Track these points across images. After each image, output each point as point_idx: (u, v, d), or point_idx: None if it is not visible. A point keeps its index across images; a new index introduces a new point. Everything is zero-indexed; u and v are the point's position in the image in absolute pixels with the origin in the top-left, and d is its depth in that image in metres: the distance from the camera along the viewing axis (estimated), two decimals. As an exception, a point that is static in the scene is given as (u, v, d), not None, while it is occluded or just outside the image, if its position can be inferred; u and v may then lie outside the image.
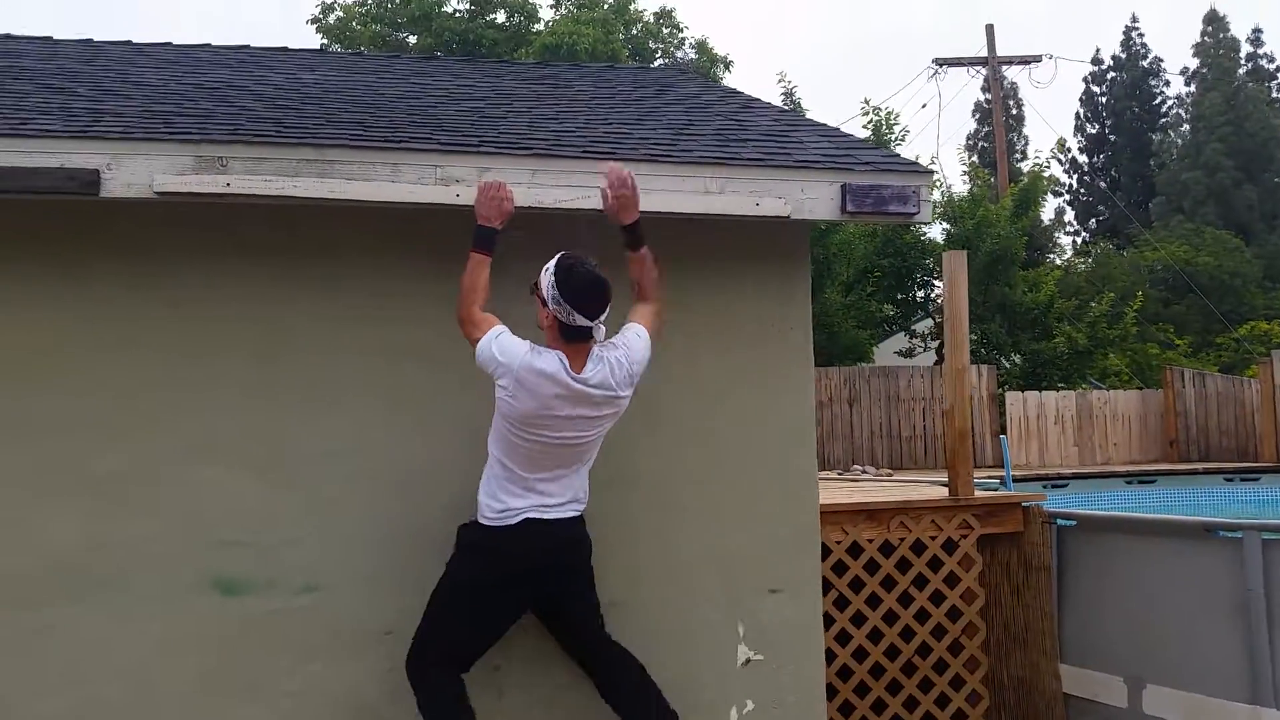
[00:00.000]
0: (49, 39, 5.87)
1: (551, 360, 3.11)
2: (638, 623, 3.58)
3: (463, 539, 3.32)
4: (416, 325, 3.56)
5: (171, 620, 3.32)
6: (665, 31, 21.79)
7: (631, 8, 21.30)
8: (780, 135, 4.21)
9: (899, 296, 16.04)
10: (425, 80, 5.51)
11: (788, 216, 3.54)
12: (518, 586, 3.27)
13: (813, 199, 3.57)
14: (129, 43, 6.01)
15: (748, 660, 3.67)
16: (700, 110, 4.92)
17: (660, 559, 3.65)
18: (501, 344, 3.14)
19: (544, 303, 3.16)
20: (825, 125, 4.62)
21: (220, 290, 3.44)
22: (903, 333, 16.18)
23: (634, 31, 21.25)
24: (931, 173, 3.74)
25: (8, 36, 5.78)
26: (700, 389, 3.74)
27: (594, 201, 3.40)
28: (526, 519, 3.20)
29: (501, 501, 3.22)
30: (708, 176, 3.52)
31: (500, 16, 20.69)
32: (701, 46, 21.87)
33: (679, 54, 21.87)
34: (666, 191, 3.46)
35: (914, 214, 3.64)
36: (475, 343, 3.19)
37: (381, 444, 3.51)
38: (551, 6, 21.29)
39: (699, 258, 3.76)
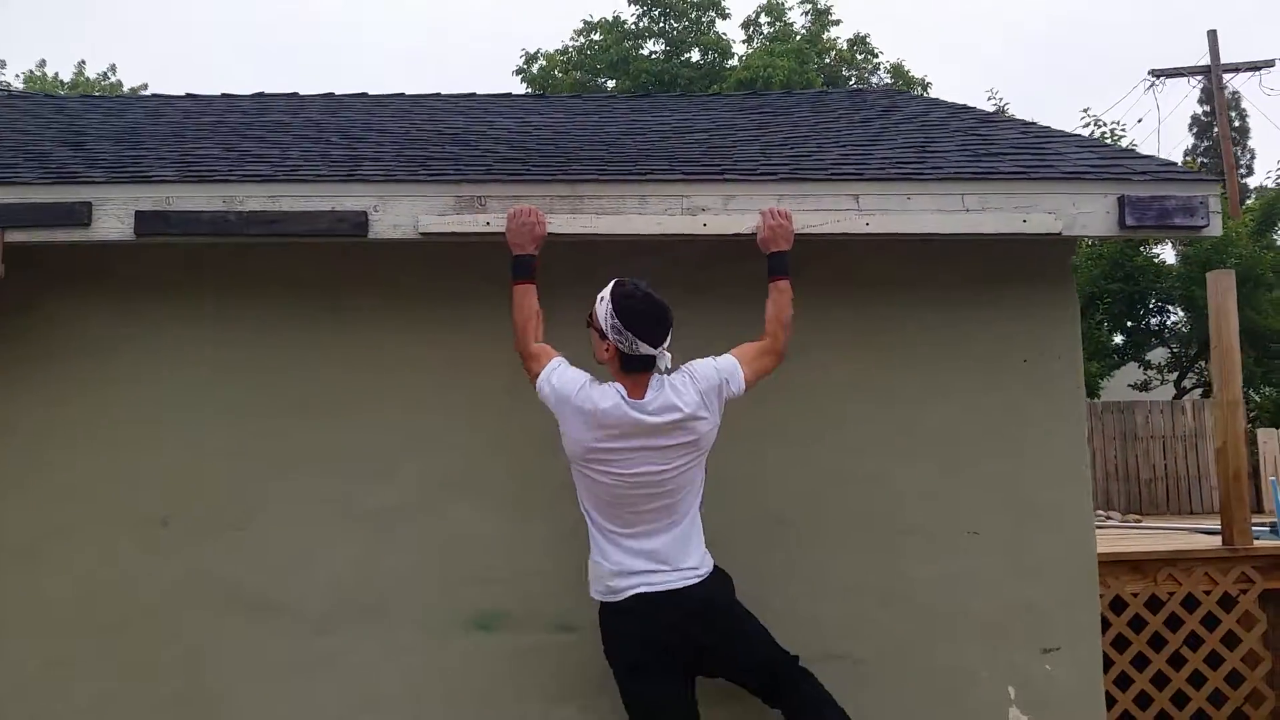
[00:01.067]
0: (295, 94, 6.29)
1: (609, 394, 2.90)
2: (899, 682, 3.37)
3: (600, 626, 3.05)
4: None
5: (430, 653, 3.37)
6: (859, 58, 21.39)
7: (825, 35, 21.05)
8: (1033, 148, 3.93)
9: (1128, 324, 14.89)
10: (645, 117, 5.53)
11: (1059, 234, 3.26)
12: (650, 660, 2.94)
13: (1086, 213, 3.28)
14: (365, 94, 6.36)
15: (1020, 724, 3.36)
16: (935, 127, 4.68)
17: (924, 613, 3.41)
18: (560, 377, 2.96)
19: (601, 334, 2.94)
20: (1080, 136, 4.29)
21: (472, 327, 3.49)
22: (1134, 364, 14.99)
23: (827, 60, 20.98)
24: (1219, 181, 3.40)
25: (260, 95, 6.23)
26: (962, 427, 3.49)
27: (845, 225, 3.25)
28: (635, 595, 2.91)
29: (604, 571, 2.96)
30: (965, 193, 3.30)
31: (695, 55, 20.89)
32: (897, 70, 21.32)
33: (873, 79, 21.40)
34: (922, 211, 3.27)
35: (1202, 226, 3.29)
36: (534, 377, 3.02)
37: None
38: (744, 41, 21.33)
39: (948, 282, 3.54)
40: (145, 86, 22.83)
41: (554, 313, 3.43)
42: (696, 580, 2.95)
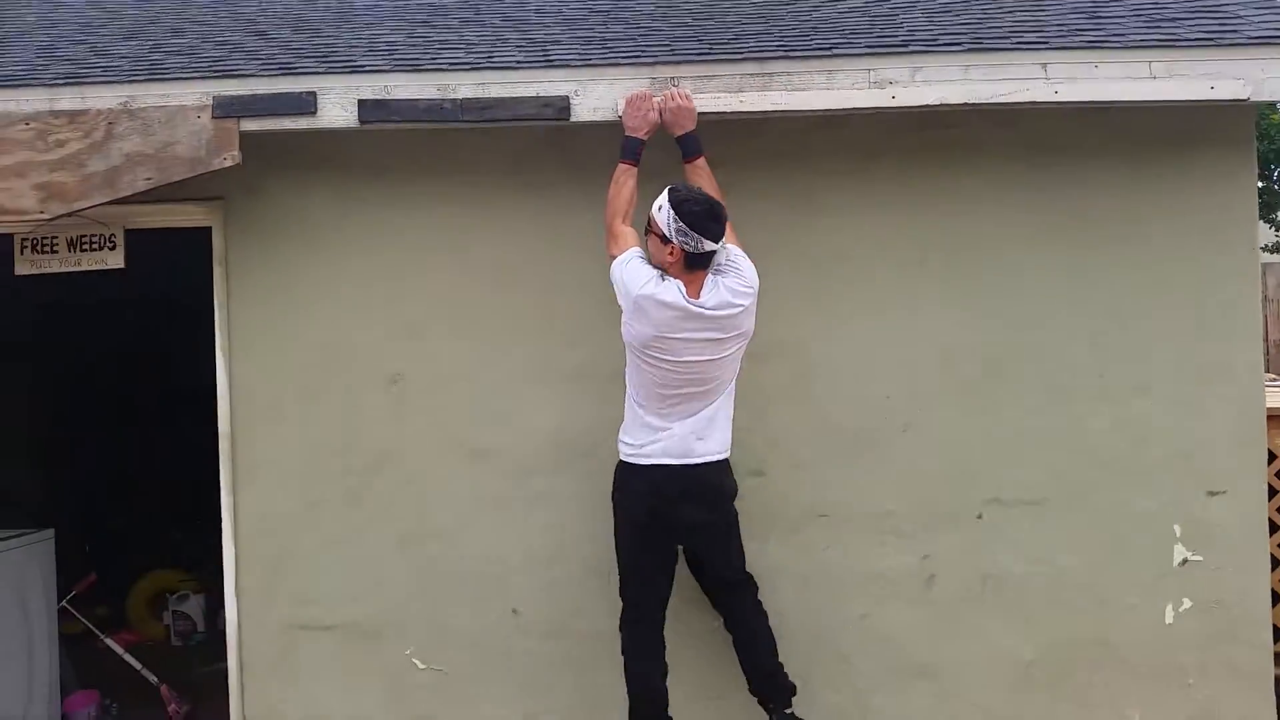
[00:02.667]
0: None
1: (672, 290, 3.18)
2: (1073, 522, 3.61)
3: (614, 480, 3.43)
4: (839, 229, 3.69)
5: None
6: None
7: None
8: (1207, 11, 3.88)
9: (1259, 185, 14.28)
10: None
11: (1246, 99, 3.31)
12: (656, 523, 3.33)
13: (1274, 78, 3.31)
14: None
15: (1185, 560, 3.60)
16: (1097, -10, 4.62)
17: (1096, 458, 3.62)
18: (632, 269, 3.23)
19: (664, 239, 3.20)
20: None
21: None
22: (1267, 225, 14.46)
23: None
24: None
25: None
26: (1132, 284, 3.62)
27: (1034, 94, 3.34)
28: (654, 464, 3.27)
29: (635, 438, 3.33)
30: (1153, 60, 3.35)
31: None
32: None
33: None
34: (1110, 79, 3.34)
35: (1397, 87, 3.29)
36: (611, 258, 3.31)
37: (809, 341, 3.69)
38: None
39: (1125, 148, 3.60)
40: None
41: (744, 185, 3.62)
42: (713, 460, 3.31)
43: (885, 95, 3.36)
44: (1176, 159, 3.58)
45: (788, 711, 3.39)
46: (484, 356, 3.75)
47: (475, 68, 3.49)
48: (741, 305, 3.23)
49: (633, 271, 3.23)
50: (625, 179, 3.37)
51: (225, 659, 3.92)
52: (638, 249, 3.29)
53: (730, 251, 3.30)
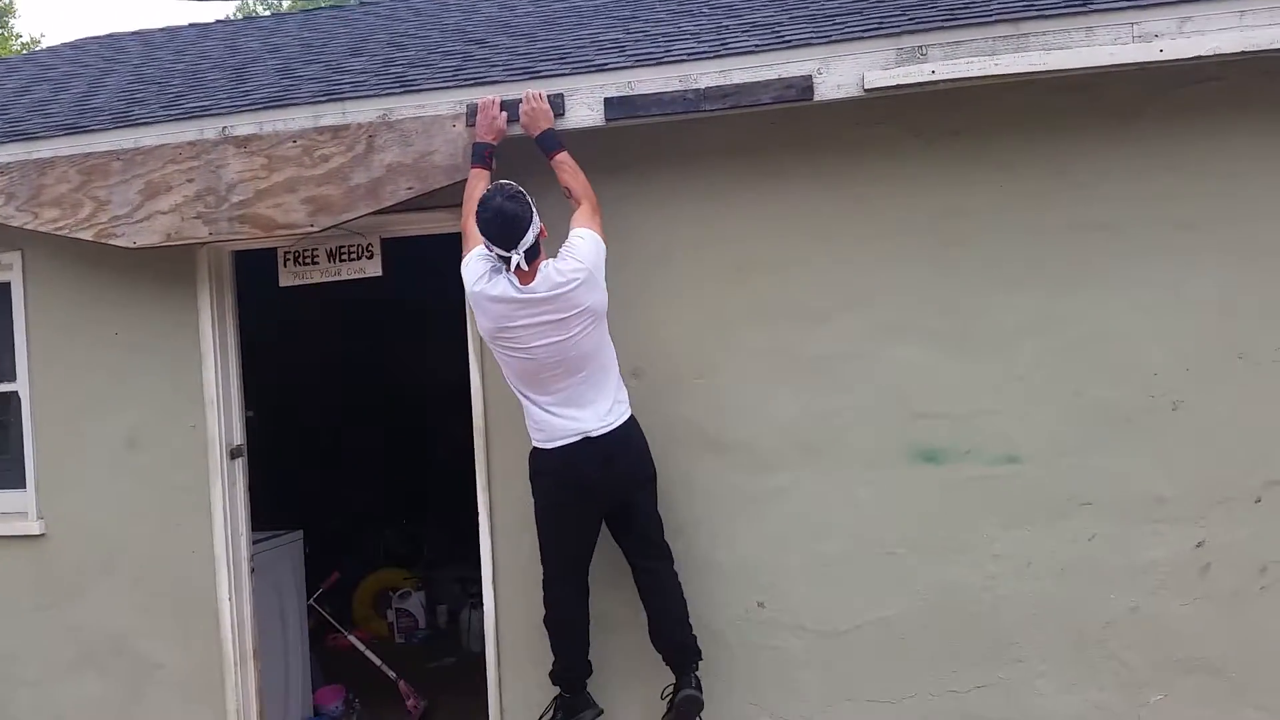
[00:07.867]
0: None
1: (500, 284, 3.29)
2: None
3: (529, 464, 3.52)
4: (1095, 197, 3.50)
5: (880, 484, 3.62)
6: None
7: None
8: None
9: None
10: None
11: None
12: (571, 497, 3.44)
13: None
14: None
15: None
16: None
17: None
18: (468, 270, 3.36)
19: None
20: None
21: (901, 178, 3.59)
22: None
23: None
24: None
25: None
26: None
27: (1325, 35, 3.08)
28: (563, 445, 3.38)
29: (539, 427, 3.43)
30: None
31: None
32: None
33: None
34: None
35: None
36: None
37: (1067, 318, 3.52)
38: None
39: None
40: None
41: (988, 155, 3.48)
42: (611, 427, 3.40)
43: (1151, 49, 3.17)
44: None
45: (694, 675, 3.52)
46: (724, 348, 3.74)
47: (716, 55, 3.47)
48: (573, 281, 3.26)
49: (469, 270, 3.37)
50: (477, 181, 3.47)
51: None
52: (481, 247, 3.35)
53: (574, 235, 3.36)
